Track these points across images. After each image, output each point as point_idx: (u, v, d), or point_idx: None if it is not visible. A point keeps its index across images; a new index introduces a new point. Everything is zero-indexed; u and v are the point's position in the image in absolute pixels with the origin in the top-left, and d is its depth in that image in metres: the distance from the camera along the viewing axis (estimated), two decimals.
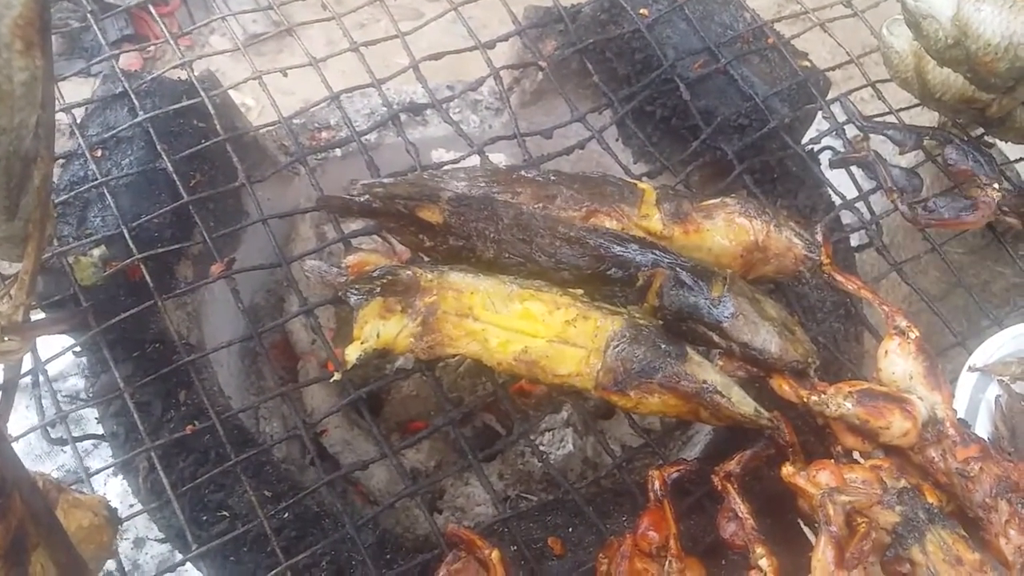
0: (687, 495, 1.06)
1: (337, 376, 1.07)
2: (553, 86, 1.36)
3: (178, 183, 1.18)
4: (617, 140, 1.46)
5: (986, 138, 1.34)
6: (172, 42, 1.30)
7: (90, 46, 3.29)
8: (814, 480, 0.94)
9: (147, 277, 1.12)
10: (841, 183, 1.33)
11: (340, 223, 1.21)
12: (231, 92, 1.33)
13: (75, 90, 1.64)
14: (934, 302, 2.12)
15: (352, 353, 1.05)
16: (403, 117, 1.59)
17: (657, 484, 1.01)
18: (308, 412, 1.43)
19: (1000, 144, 1.39)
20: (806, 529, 1.07)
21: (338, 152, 1.57)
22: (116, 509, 1.00)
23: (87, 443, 1.34)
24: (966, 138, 1.31)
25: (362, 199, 1.11)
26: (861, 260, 1.39)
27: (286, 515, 1.09)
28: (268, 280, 1.58)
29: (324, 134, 1.58)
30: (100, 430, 1.18)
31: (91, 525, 0.91)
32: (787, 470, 0.96)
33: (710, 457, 1.19)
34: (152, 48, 3.21)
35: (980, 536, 0.95)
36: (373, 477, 1.39)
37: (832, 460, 0.98)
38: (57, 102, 1.24)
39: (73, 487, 0.99)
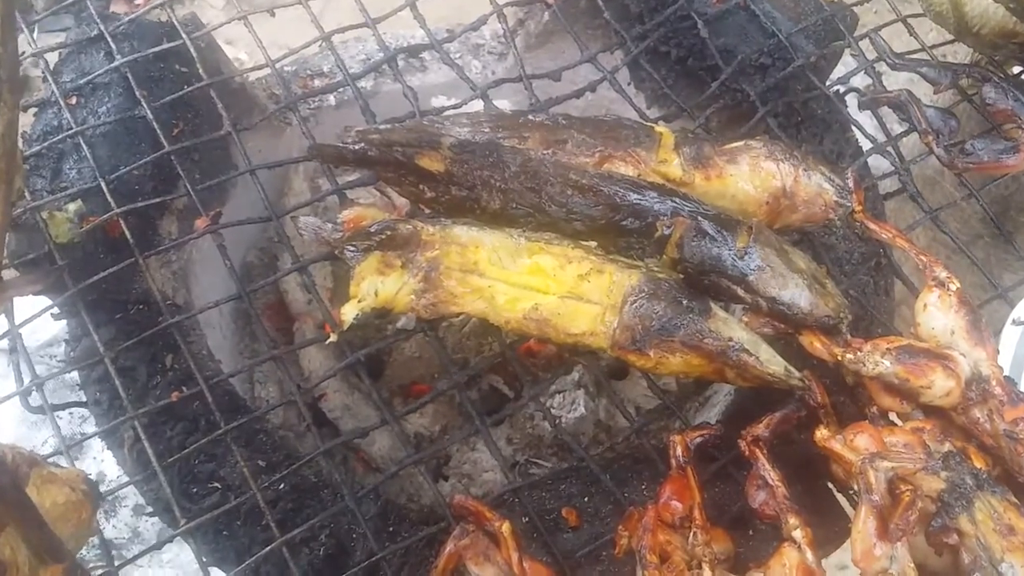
0: (711, 461, 0.99)
1: (333, 338, 0.99)
2: (560, 26, 1.26)
3: (159, 132, 1.09)
4: (629, 83, 1.37)
5: None
6: None
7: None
8: (852, 445, 0.87)
9: (127, 233, 1.03)
10: (869, 128, 1.25)
11: (334, 174, 1.12)
12: (223, 44, 1.25)
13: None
14: (954, 254, 2.05)
15: (349, 312, 0.97)
16: (401, 63, 1.52)
17: (680, 450, 0.94)
18: (305, 376, 1.35)
19: None
20: (840, 496, 1.00)
21: (332, 100, 1.48)
22: (97, 483, 0.92)
23: (83, 410, 1.27)
24: (1004, 76, 1.22)
25: (357, 147, 1.03)
26: (887, 211, 1.31)
27: (282, 486, 1.02)
28: (261, 237, 1.50)
29: (317, 81, 1.49)
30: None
31: (68, 502, 0.84)
32: (821, 433, 0.89)
33: (731, 419, 1.12)
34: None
35: None
36: (375, 443, 1.32)
37: (869, 423, 0.90)
38: (30, 47, 1.16)
39: (52, 460, 0.92)
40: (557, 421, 1.07)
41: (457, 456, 1.34)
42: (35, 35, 2.14)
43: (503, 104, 1.46)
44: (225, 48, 2.28)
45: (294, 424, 1.38)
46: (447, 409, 1.38)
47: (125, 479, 1.05)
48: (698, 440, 0.95)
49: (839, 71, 1.27)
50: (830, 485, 0.99)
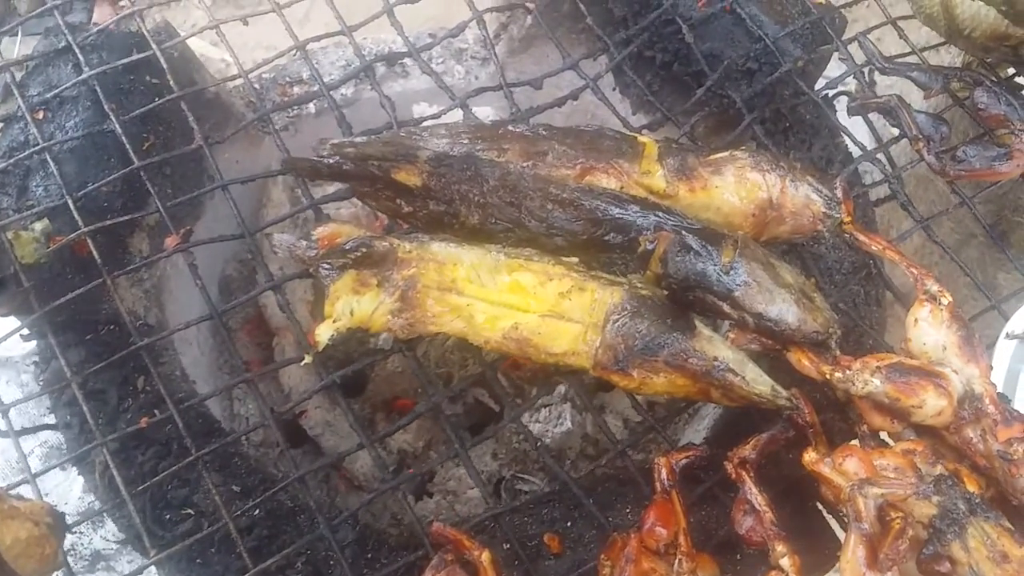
0: (697, 483, 0.96)
1: (308, 359, 0.97)
2: (543, 31, 1.23)
3: (128, 147, 1.06)
4: (614, 89, 1.34)
5: (1019, 78, 1.22)
6: None
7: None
8: (841, 469, 0.84)
9: (94, 253, 1.00)
10: (858, 132, 1.22)
11: (310, 187, 1.09)
12: (208, 45, 1.21)
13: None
14: (947, 255, 2.02)
15: (324, 333, 0.94)
16: (382, 69, 1.49)
17: (664, 473, 0.91)
18: (285, 392, 1.33)
19: None
20: (830, 517, 0.98)
21: (312, 108, 1.45)
22: (63, 515, 0.90)
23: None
24: (996, 79, 1.19)
25: (332, 161, 1.00)
26: (878, 215, 1.28)
27: (257, 512, 0.99)
28: (240, 249, 1.46)
29: (296, 89, 1.46)
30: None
31: (30, 536, 0.81)
32: (810, 457, 0.86)
33: (720, 437, 1.09)
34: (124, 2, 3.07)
35: None
36: (358, 460, 1.29)
37: (859, 445, 0.87)
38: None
39: (14, 490, 0.89)
40: (538, 443, 1.04)
41: (442, 473, 1.31)
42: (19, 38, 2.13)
43: (486, 111, 1.44)
44: (210, 50, 2.25)
45: (275, 442, 1.35)
46: (431, 424, 1.35)
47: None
48: (683, 462, 0.93)
49: (830, 73, 1.24)
50: (820, 506, 0.96)
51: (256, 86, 1.44)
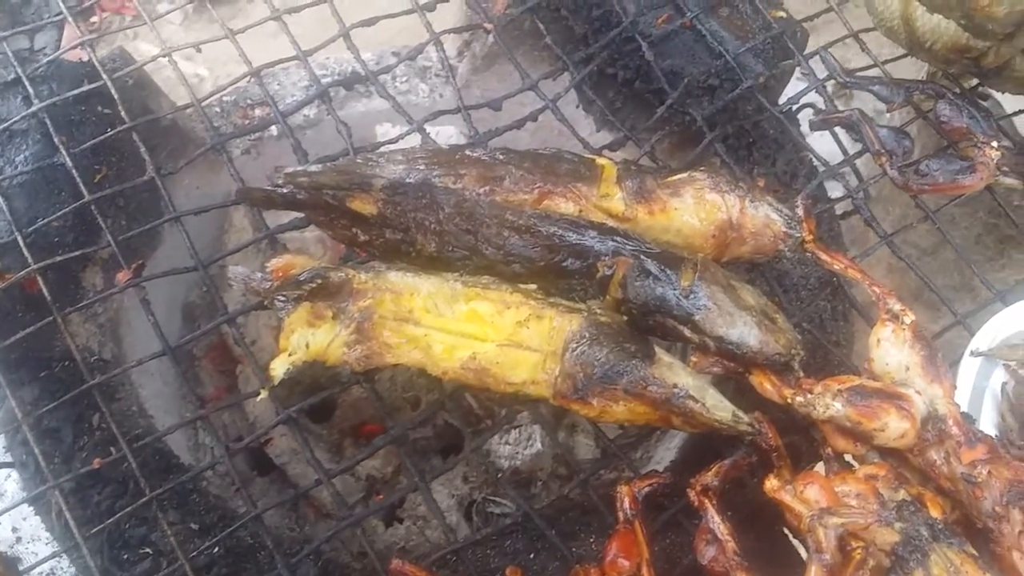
0: (662, 510, 0.95)
1: (264, 393, 0.95)
2: (504, 51, 1.22)
3: (79, 180, 1.04)
4: (578, 107, 1.33)
5: (982, 89, 1.21)
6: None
7: (31, 20, 3.12)
8: (802, 496, 0.83)
9: (44, 290, 0.98)
10: (825, 145, 1.21)
11: (269, 216, 1.08)
12: (181, 60, 1.18)
13: None
14: (924, 256, 2.01)
15: (279, 367, 0.93)
16: (346, 91, 1.48)
17: (627, 502, 0.90)
18: (250, 421, 1.31)
19: (997, 96, 1.27)
20: (796, 542, 0.96)
21: (274, 131, 1.43)
22: (16, 559, 0.88)
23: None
24: (959, 91, 1.18)
25: (286, 190, 0.98)
26: (845, 225, 1.27)
27: (216, 550, 0.97)
28: (205, 276, 1.44)
29: (259, 111, 1.44)
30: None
31: None
32: (771, 484, 0.85)
33: (689, 460, 1.08)
34: (96, 20, 3.04)
35: (991, 549, 0.84)
36: (325, 488, 1.27)
37: (821, 472, 0.86)
38: None
39: None
40: (499, 474, 1.02)
41: (412, 498, 1.29)
42: None
43: (449, 131, 1.42)
44: (183, 64, 2.22)
45: (243, 470, 1.33)
46: (400, 449, 1.33)
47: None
48: (646, 490, 0.91)
49: (790, 91, 1.23)
50: (786, 531, 0.95)
51: (217, 109, 1.43)
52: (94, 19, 3.08)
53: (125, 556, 0.98)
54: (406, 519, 1.29)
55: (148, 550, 0.98)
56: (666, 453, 1.28)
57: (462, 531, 1.27)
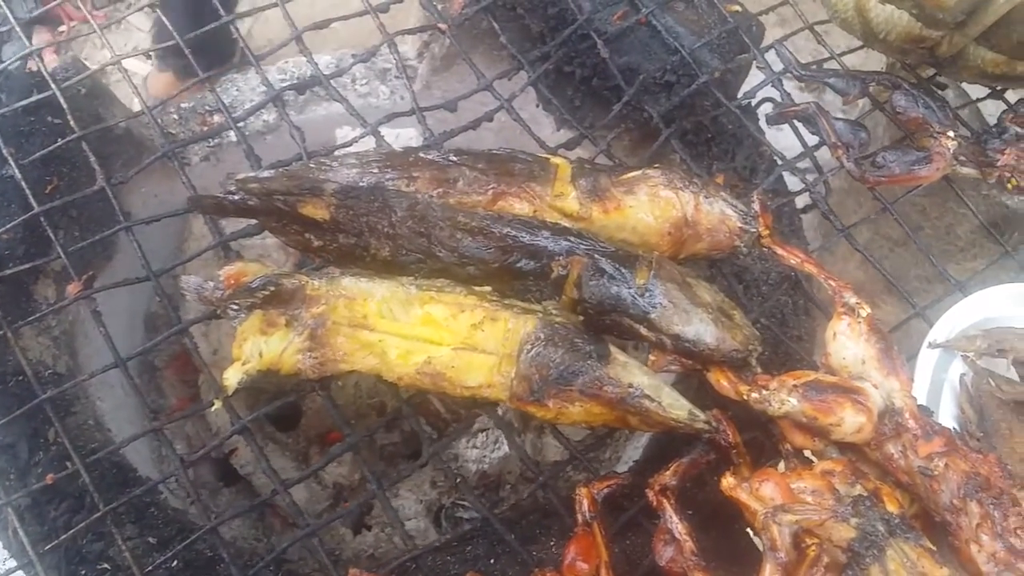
0: (622, 511, 0.94)
1: (218, 404, 0.94)
2: (467, 48, 1.21)
3: (28, 192, 1.03)
4: (538, 106, 1.32)
5: (939, 79, 1.21)
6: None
7: None
8: (757, 494, 0.82)
9: None
10: (786, 138, 1.20)
11: (225, 224, 1.07)
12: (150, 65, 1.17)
13: None
14: (896, 247, 2.00)
15: (232, 377, 0.92)
16: (300, 95, 1.47)
17: (586, 504, 0.89)
18: (213, 431, 1.29)
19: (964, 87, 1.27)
20: (758, 541, 0.96)
21: (232, 136, 1.41)
22: None
23: None
24: (917, 81, 1.18)
25: (237, 197, 0.97)
26: (809, 220, 1.27)
27: (175, 563, 0.96)
28: (167, 284, 1.43)
29: (217, 118, 1.43)
30: None
31: None
32: (727, 482, 0.84)
33: (653, 460, 1.07)
34: (64, 29, 3.02)
35: (949, 542, 0.84)
36: (292, 495, 1.26)
37: (776, 469, 0.86)
38: None
39: None
40: (458, 479, 1.01)
41: (380, 505, 1.28)
42: None
43: (410, 133, 1.41)
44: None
45: (209, 481, 1.32)
46: (367, 455, 1.33)
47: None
48: (605, 491, 0.91)
49: (747, 85, 1.23)
50: (748, 530, 0.95)
51: (175, 116, 1.42)
52: (62, 28, 3.07)
53: (83, 572, 0.97)
54: (374, 526, 1.28)
55: (106, 565, 0.97)
56: (634, 453, 1.27)
57: (431, 536, 1.27)
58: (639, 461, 1.09)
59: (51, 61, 1.19)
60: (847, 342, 0.92)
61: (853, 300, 0.93)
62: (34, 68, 1.13)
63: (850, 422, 0.86)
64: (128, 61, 1.15)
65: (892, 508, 0.81)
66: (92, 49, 2.79)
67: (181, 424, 1.31)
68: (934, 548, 0.79)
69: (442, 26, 1.19)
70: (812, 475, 0.84)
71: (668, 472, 0.89)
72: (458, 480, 0.98)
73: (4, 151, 1.05)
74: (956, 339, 1.01)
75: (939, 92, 1.17)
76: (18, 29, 1.14)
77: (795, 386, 0.87)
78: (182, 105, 1.42)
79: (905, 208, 1.29)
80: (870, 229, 1.97)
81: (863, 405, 0.86)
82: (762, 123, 1.21)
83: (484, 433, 1.31)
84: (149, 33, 2.80)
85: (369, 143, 1.11)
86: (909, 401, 0.88)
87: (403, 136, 1.41)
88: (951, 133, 1.09)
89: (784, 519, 0.77)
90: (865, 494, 0.82)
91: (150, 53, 1.15)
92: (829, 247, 1.12)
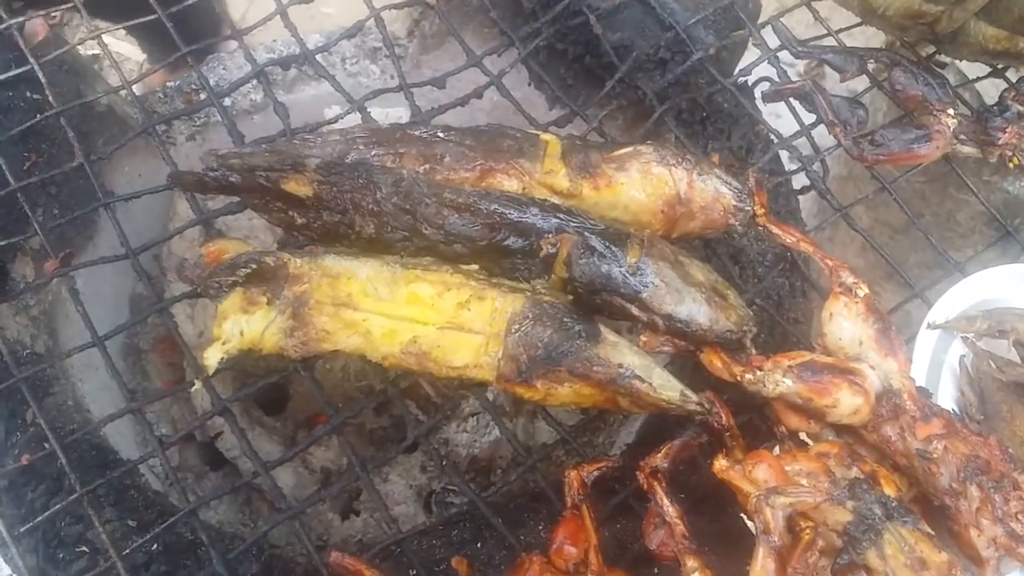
0: (613, 494, 0.92)
1: (198, 385, 0.92)
2: (458, 25, 1.18)
3: (4, 168, 1.00)
4: (530, 85, 1.29)
5: (939, 57, 1.19)
6: None
7: None
8: (751, 476, 0.80)
9: None
10: (783, 116, 1.18)
11: (197, 201, 1.04)
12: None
13: None
14: (896, 234, 1.98)
15: (212, 357, 0.90)
16: (293, 72, 1.44)
17: (575, 487, 0.87)
18: (198, 413, 1.27)
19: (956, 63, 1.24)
20: (752, 524, 0.94)
21: (218, 115, 1.39)
22: None
23: None
24: (916, 59, 1.15)
25: (218, 173, 0.95)
26: (809, 207, 1.24)
27: (154, 547, 0.94)
28: (152, 265, 1.40)
29: (203, 95, 1.40)
30: None
31: None
32: (719, 464, 0.82)
33: (647, 442, 1.05)
34: (58, 14, 2.99)
35: (948, 526, 0.81)
36: (278, 480, 1.23)
37: (770, 451, 0.83)
38: None
39: None
40: (444, 463, 0.99)
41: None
42: None
43: (399, 112, 1.39)
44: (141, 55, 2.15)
45: (194, 464, 1.30)
46: (355, 439, 1.30)
47: None
48: (595, 474, 0.88)
49: (743, 63, 1.20)
50: (742, 514, 0.92)
51: (160, 95, 1.39)
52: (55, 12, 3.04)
53: (61, 555, 0.94)
54: (363, 511, 1.26)
55: (84, 548, 0.95)
56: (628, 437, 1.25)
57: (420, 521, 1.24)
58: (631, 444, 1.07)
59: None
60: (844, 322, 0.90)
61: (850, 279, 0.91)
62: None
63: (846, 403, 0.84)
64: (119, 44, 1.13)
65: (890, 491, 0.79)
66: (84, 33, 2.77)
67: (167, 407, 1.29)
68: (932, 532, 0.77)
69: (431, 1, 1.16)
70: (807, 457, 0.81)
71: (659, 455, 0.87)
72: (444, 464, 0.96)
73: None
74: (956, 320, 0.98)
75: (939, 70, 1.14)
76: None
77: (790, 367, 0.85)
78: (167, 83, 1.40)
79: (905, 194, 1.27)
80: (869, 216, 1.95)
81: (860, 386, 0.84)
82: (758, 102, 1.18)
83: (475, 417, 1.29)
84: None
85: (355, 120, 1.09)
86: (907, 382, 0.86)
87: (392, 115, 1.38)
88: (951, 111, 1.07)
89: (778, 502, 0.75)
90: (862, 477, 0.80)
91: (127, 28, 1.11)
92: (825, 228, 1.09)
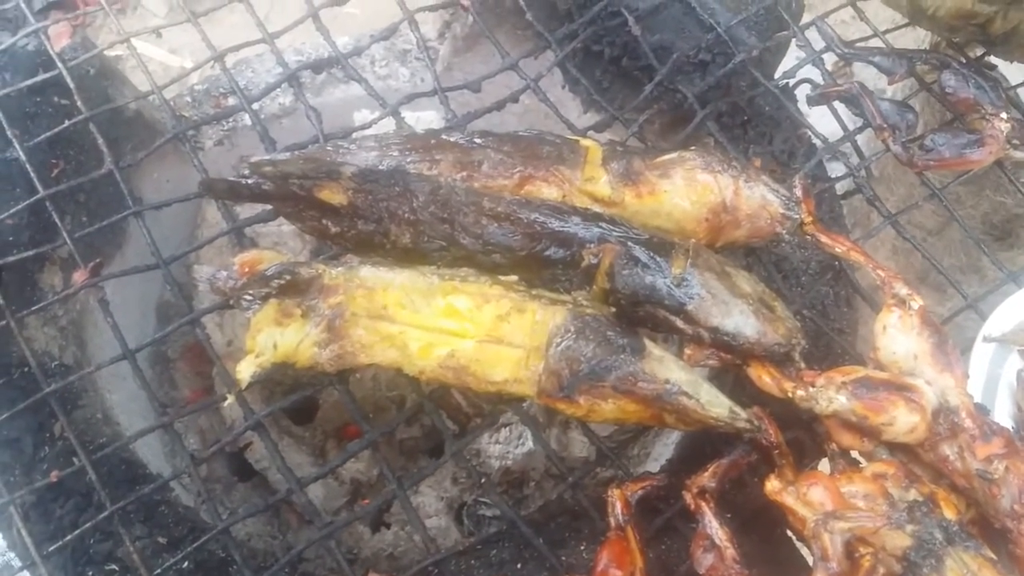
0: (657, 513, 0.89)
1: (231, 399, 0.89)
2: (490, 27, 1.15)
3: (32, 175, 0.98)
4: (564, 88, 1.26)
5: (988, 59, 1.15)
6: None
7: (13, 16, 3.05)
8: (805, 499, 0.77)
9: None
10: (824, 121, 1.14)
11: (229, 210, 1.02)
12: (167, 53, 1.12)
13: None
14: (929, 237, 1.93)
15: (245, 370, 0.87)
16: (323, 75, 1.42)
17: (619, 507, 0.84)
18: (228, 424, 1.25)
19: (1004, 65, 1.20)
20: (801, 545, 0.90)
21: (247, 120, 1.37)
22: None
23: None
24: (965, 60, 1.12)
25: (251, 181, 0.93)
26: (847, 207, 1.21)
27: (185, 564, 0.92)
28: (179, 272, 1.39)
29: (232, 100, 1.38)
30: None
31: None
32: (772, 486, 0.79)
33: (686, 457, 1.02)
34: (82, 16, 2.98)
35: (1009, 550, 0.78)
36: (308, 493, 1.21)
37: (825, 473, 0.80)
38: None
39: None
40: (483, 479, 0.96)
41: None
42: None
43: (430, 116, 1.36)
44: (168, 58, 2.16)
45: (223, 475, 1.28)
46: (386, 450, 1.28)
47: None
48: (639, 493, 0.85)
49: (786, 64, 1.17)
50: (790, 534, 0.89)
51: (188, 99, 1.37)
52: (78, 14, 3.03)
53: (90, 572, 0.92)
54: (394, 524, 1.23)
55: (114, 566, 0.93)
56: (664, 450, 1.22)
57: (452, 535, 1.22)
58: (672, 460, 1.04)
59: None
60: (898, 336, 0.86)
61: (904, 291, 0.87)
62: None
63: (903, 421, 0.80)
64: (143, 46, 1.11)
65: (950, 514, 0.76)
66: (108, 35, 2.76)
67: (194, 417, 1.27)
68: (995, 557, 0.74)
69: (465, 2, 1.14)
70: (863, 478, 0.78)
71: (707, 473, 0.84)
72: (483, 480, 0.93)
73: (9, 133, 1.00)
74: (1013, 333, 0.95)
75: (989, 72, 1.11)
76: (26, 9, 1.10)
77: (844, 383, 0.82)
78: (196, 87, 1.38)
79: (947, 199, 1.23)
80: (902, 218, 1.91)
81: (916, 403, 0.81)
82: (801, 105, 1.14)
83: (507, 428, 1.26)
84: (165, 18, 2.77)
85: (388, 125, 1.07)
86: (965, 399, 0.83)
87: (424, 119, 1.36)
88: (1004, 115, 1.03)
89: (836, 527, 0.71)
90: (921, 499, 0.77)
91: (159, 32, 1.10)
92: (873, 234, 1.06)
